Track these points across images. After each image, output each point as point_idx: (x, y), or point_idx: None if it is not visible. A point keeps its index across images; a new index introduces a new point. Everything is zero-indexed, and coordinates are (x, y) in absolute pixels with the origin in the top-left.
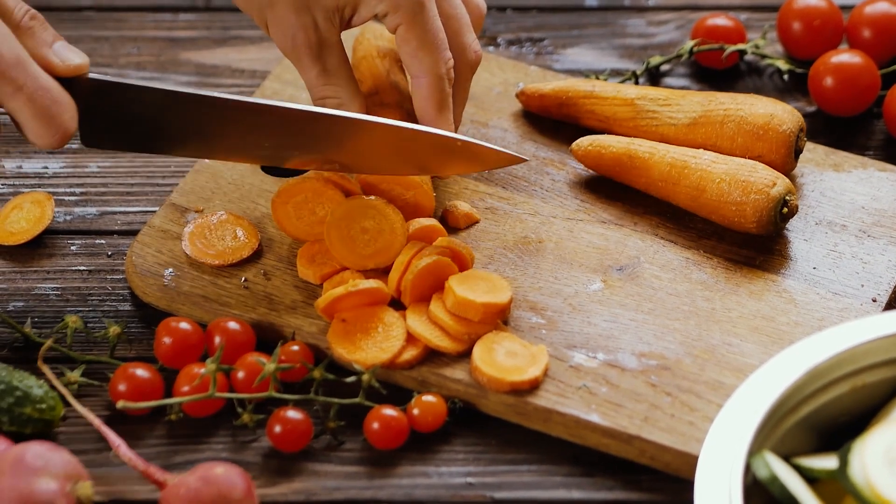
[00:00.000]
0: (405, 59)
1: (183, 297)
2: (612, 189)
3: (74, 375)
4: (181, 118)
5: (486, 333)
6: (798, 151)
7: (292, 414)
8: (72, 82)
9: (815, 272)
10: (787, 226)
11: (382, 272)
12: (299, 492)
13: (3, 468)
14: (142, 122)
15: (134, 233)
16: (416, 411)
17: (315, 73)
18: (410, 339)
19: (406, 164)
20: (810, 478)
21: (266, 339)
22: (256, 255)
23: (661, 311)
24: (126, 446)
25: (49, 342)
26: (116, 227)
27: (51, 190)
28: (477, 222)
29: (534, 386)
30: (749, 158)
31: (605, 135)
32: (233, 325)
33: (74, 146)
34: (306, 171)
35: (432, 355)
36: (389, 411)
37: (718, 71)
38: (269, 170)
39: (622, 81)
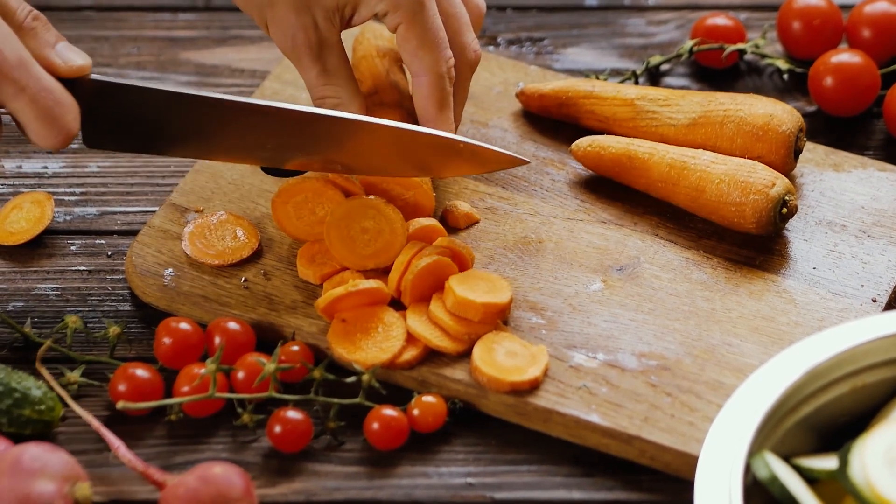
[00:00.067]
0: (406, 57)
1: (183, 297)
2: (612, 189)
3: (74, 376)
4: (184, 119)
5: (486, 333)
6: (798, 152)
7: (292, 414)
8: (74, 83)
9: (815, 272)
10: (786, 226)
11: (382, 272)
12: (299, 492)
13: (1, 470)
14: (144, 123)
15: (134, 233)
16: (416, 411)
17: (315, 72)
18: (410, 339)
19: (407, 166)
20: (810, 478)
21: (266, 339)
22: (256, 255)
23: (661, 311)
24: (125, 448)
25: (47, 344)
26: (116, 227)
27: (51, 190)
28: (477, 222)
29: (534, 386)
30: (749, 159)
31: (605, 135)
32: (233, 325)
33: (74, 146)
34: (306, 171)
35: (432, 355)
36: (389, 411)
37: (718, 70)
38: (269, 170)
39: (622, 81)
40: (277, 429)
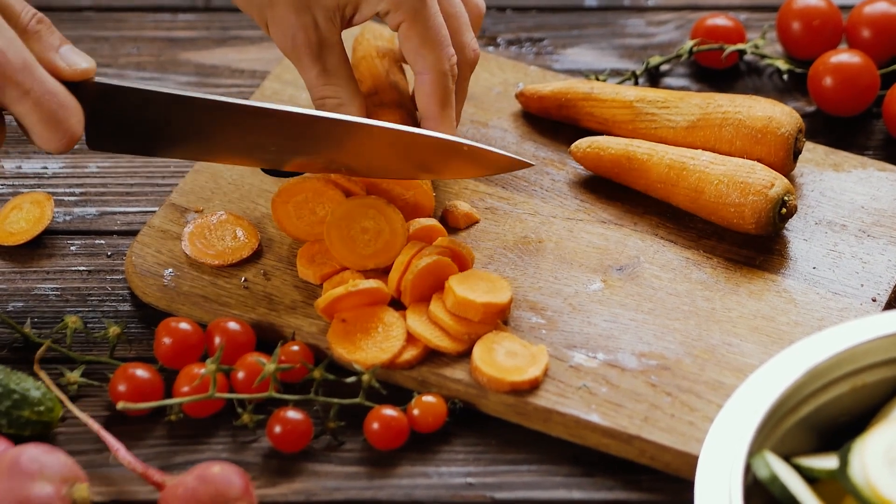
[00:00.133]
0: (408, 56)
1: (183, 297)
2: (612, 189)
3: (74, 376)
4: (186, 122)
5: (486, 333)
6: (797, 152)
7: (292, 414)
8: (78, 86)
9: (815, 272)
10: (786, 226)
11: (382, 272)
12: (299, 492)
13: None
14: (147, 125)
15: (134, 233)
16: (416, 411)
17: (315, 72)
18: (410, 339)
19: (409, 168)
20: (810, 478)
21: (266, 339)
22: (256, 255)
23: (661, 311)
24: (125, 449)
25: (46, 345)
26: (116, 228)
27: (50, 190)
28: (477, 222)
29: (534, 386)
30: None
31: (604, 136)
32: (233, 325)
33: (75, 146)
34: (306, 171)
35: (432, 355)
36: (389, 411)
37: (718, 71)
38: (269, 170)
39: (622, 81)
40: (277, 429)
